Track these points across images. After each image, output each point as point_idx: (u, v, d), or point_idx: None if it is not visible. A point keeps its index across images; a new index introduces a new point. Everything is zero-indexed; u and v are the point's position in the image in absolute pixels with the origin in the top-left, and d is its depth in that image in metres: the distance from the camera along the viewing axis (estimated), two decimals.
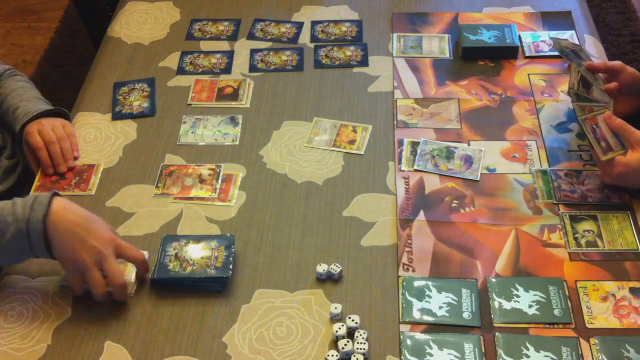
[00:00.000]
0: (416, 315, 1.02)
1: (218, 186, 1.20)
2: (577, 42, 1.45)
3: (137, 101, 1.37)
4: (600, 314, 1.01)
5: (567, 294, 1.03)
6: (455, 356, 0.96)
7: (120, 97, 1.38)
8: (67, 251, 0.99)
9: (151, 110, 1.35)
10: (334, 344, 0.98)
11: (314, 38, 1.51)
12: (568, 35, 1.47)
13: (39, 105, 1.30)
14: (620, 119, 1.13)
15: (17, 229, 0.98)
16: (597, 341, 0.97)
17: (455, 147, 1.25)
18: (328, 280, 1.07)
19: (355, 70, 1.44)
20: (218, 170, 1.23)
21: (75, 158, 1.26)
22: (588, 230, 1.12)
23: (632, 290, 1.03)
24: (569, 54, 1.25)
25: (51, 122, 1.27)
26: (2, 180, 1.30)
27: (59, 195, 1.02)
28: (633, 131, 1.11)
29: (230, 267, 1.06)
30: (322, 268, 1.06)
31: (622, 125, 1.12)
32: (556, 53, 1.43)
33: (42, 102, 1.32)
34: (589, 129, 1.16)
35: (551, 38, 1.42)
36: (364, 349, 0.96)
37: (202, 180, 1.21)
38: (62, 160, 1.25)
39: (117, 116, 1.35)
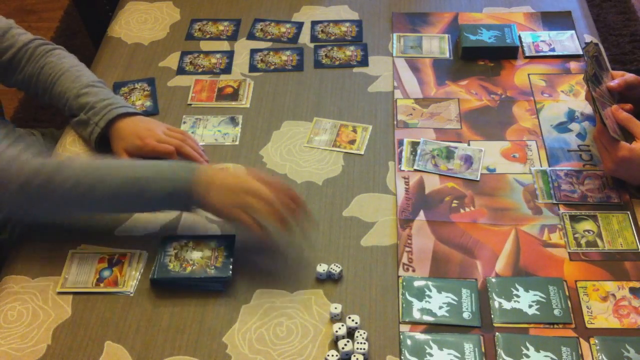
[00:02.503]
0: (416, 315, 1.02)
1: None
2: (577, 42, 1.45)
3: (139, 100, 1.37)
4: (600, 314, 1.01)
5: (567, 294, 1.03)
6: (455, 356, 0.96)
7: (122, 97, 1.38)
8: (222, 206, 1.05)
9: (154, 109, 1.35)
10: (334, 344, 0.98)
11: (314, 38, 1.51)
12: (569, 35, 1.47)
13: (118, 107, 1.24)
14: (627, 113, 1.14)
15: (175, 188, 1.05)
16: (597, 341, 0.97)
17: (455, 147, 1.25)
18: (328, 280, 1.07)
19: (355, 70, 1.44)
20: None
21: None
22: (588, 230, 1.12)
23: (632, 290, 1.03)
24: (592, 62, 1.23)
25: (151, 123, 1.24)
26: None
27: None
28: (639, 124, 1.12)
29: (230, 267, 1.06)
30: (322, 268, 1.06)
31: (628, 118, 1.13)
32: (556, 53, 1.43)
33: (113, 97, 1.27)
34: (600, 105, 1.15)
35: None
36: (364, 349, 0.96)
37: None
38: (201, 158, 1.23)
39: None
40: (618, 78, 1.21)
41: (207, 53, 1.49)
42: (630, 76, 1.21)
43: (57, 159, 1.10)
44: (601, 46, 1.25)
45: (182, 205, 1.09)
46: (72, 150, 1.28)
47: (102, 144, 1.24)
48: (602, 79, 1.21)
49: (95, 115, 1.23)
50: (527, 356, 0.96)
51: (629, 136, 1.13)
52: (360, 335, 0.98)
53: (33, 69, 1.28)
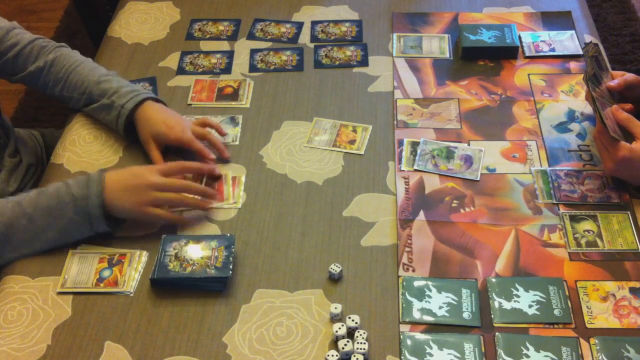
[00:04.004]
0: (416, 315, 1.02)
1: (223, 190, 1.20)
2: (577, 42, 1.45)
3: None
4: (600, 314, 1.01)
5: (567, 294, 1.03)
6: (455, 356, 0.96)
7: None
8: (130, 206, 1.10)
9: None
10: (334, 344, 0.98)
11: (314, 38, 1.51)
12: (569, 35, 1.47)
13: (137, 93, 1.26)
14: (627, 113, 1.14)
15: (76, 207, 1.07)
16: (597, 341, 0.97)
17: (455, 147, 1.25)
18: (328, 280, 1.07)
19: (355, 70, 1.44)
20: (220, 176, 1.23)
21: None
22: (588, 230, 1.12)
23: (632, 290, 1.03)
24: (592, 63, 1.23)
25: (177, 114, 1.28)
26: (7, 180, 1.29)
27: (106, 170, 1.12)
28: (639, 124, 1.12)
29: (230, 267, 1.06)
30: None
31: (628, 118, 1.13)
32: (556, 53, 1.43)
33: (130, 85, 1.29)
34: (600, 105, 1.15)
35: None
36: (364, 349, 0.96)
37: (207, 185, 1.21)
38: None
39: None
40: (618, 78, 1.21)
41: (207, 53, 1.49)
42: (630, 76, 1.21)
43: None
44: (601, 46, 1.25)
45: (95, 220, 1.09)
46: (72, 150, 1.28)
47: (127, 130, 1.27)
48: (602, 79, 1.21)
49: (121, 98, 1.24)
50: (527, 356, 0.96)
51: (629, 136, 1.13)
52: (360, 335, 0.98)
53: (42, 62, 1.30)
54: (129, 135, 1.27)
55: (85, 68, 1.30)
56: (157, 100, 1.27)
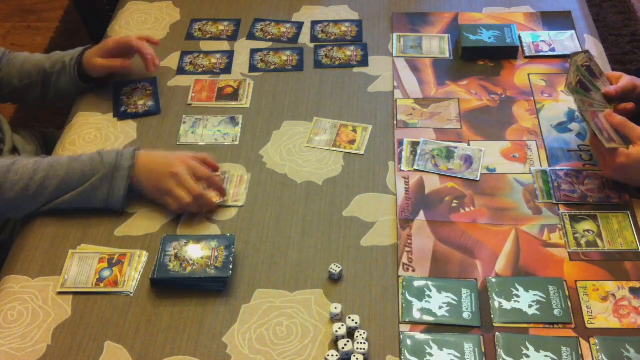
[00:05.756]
0: (416, 315, 1.02)
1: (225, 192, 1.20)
2: (577, 42, 1.45)
3: (141, 100, 1.37)
4: (600, 314, 1.01)
5: (567, 294, 1.03)
6: (455, 356, 0.96)
7: (124, 97, 1.38)
8: (153, 185, 1.15)
9: (156, 109, 1.36)
10: (334, 344, 0.98)
11: (314, 38, 1.51)
12: (569, 35, 1.47)
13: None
14: (621, 117, 1.13)
15: (104, 175, 1.13)
16: (597, 341, 0.97)
17: (455, 147, 1.25)
18: (328, 280, 1.07)
19: (355, 70, 1.44)
20: (224, 177, 1.22)
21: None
22: (588, 230, 1.12)
23: (632, 290, 1.03)
24: (585, 76, 1.21)
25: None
26: None
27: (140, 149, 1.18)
28: (634, 127, 1.11)
29: (230, 267, 1.06)
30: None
31: (623, 122, 1.12)
32: (556, 53, 1.43)
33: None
34: (590, 117, 1.15)
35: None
36: (364, 349, 0.96)
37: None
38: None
39: (123, 116, 1.35)
40: (614, 85, 1.20)
41: (207, 53, 1.49)
42: (624, 82, 1.20)
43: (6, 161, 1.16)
44: (591, 53, 1.24)
45: (116, 186, 1.15)
46: (72, 150, 1.28)
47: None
48: (595, 86, 1.20)
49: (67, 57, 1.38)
50: (527, 356, 0.96)
51: (627, 139, 1.12)
52: (360, 335, 0.98)
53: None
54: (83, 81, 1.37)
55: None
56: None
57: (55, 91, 1.38)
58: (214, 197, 1.17)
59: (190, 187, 1.13)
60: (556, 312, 1.01)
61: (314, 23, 1.55)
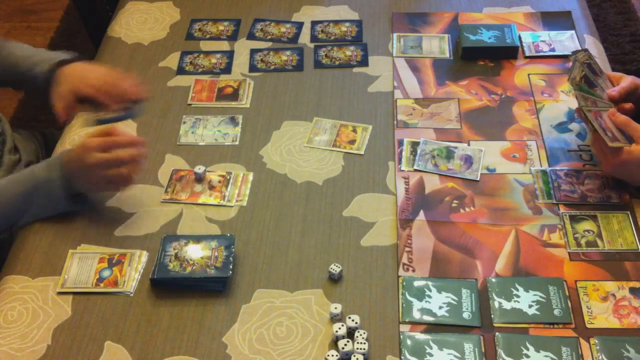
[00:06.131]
0: (416, 315, 1.02)
1: (227, 193, 1.20)
2: (577, 42, 1.45)
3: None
4: (600, 314, 1.01)
5: (567, 294, 1.03)
6: (455, 356, 0.96)
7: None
8: (87, 185, 1.14)
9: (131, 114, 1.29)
10: (334, 344, 0.98)
11: (314, 38, 1.51)
12: (569, 35, 1.47)
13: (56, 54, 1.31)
14: (625, 116, 1.13)
15: (47, 190, 1.12)
16: (597, 341, 0.97)
17: (455, 147, 1.25)
18: (328, 280, 1.07)
19: (355, 70, 1.44)
20: (228, 177, 1.22)
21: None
22: (588, 230, 1.12)
23: (632, 290, 1.03)
24: (587, 73, 1.22)
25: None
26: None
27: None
28: (638, 127, 1.11)
29: (230, 267, 1.06)
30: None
31: (627, 121, 1.13)
32: (556, 53, 1.43)
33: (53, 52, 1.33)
34: (592, 117, 1.15)
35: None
36: (364, 349, 0.96)
37: (211, 187, 1.21)
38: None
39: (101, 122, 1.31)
40: (617, 87, 1.20)
41: (207, 53, 1.49)
42: (626, 83, 1.20)
43: None
44: (595, 49, 1.24)
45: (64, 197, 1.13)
46: None
47: None
48: (597, 83, 1.20)
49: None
50: (527, 356, 0.96)
51: (630, 138, 1.12)
52: (360, 335, 0.98)
53: None
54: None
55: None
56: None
57: (31, 93, 1.36)
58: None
59: (110, 162, 1.10)
60: (556, 312, 1.01)
61: (314, 23, 1.55)
